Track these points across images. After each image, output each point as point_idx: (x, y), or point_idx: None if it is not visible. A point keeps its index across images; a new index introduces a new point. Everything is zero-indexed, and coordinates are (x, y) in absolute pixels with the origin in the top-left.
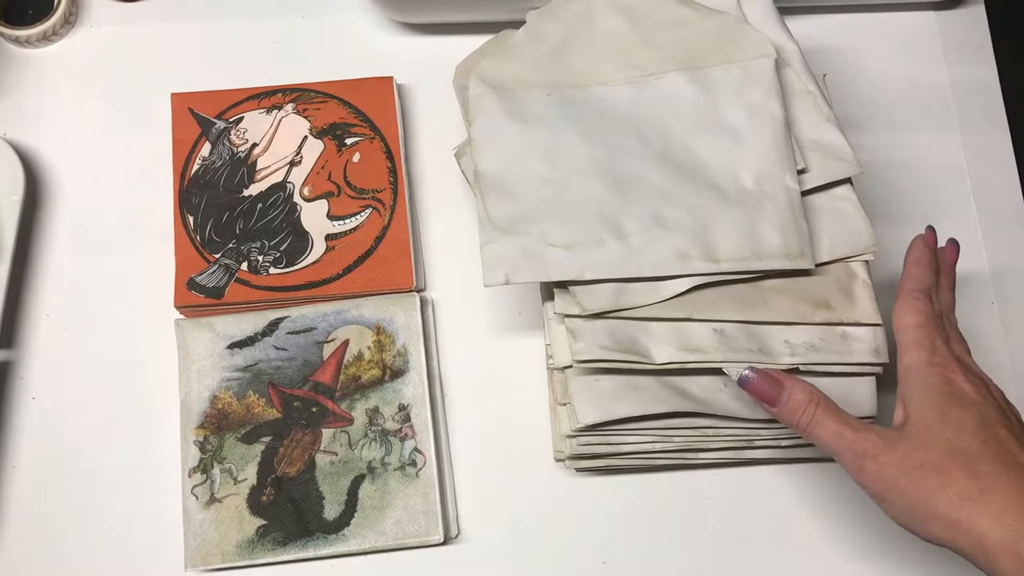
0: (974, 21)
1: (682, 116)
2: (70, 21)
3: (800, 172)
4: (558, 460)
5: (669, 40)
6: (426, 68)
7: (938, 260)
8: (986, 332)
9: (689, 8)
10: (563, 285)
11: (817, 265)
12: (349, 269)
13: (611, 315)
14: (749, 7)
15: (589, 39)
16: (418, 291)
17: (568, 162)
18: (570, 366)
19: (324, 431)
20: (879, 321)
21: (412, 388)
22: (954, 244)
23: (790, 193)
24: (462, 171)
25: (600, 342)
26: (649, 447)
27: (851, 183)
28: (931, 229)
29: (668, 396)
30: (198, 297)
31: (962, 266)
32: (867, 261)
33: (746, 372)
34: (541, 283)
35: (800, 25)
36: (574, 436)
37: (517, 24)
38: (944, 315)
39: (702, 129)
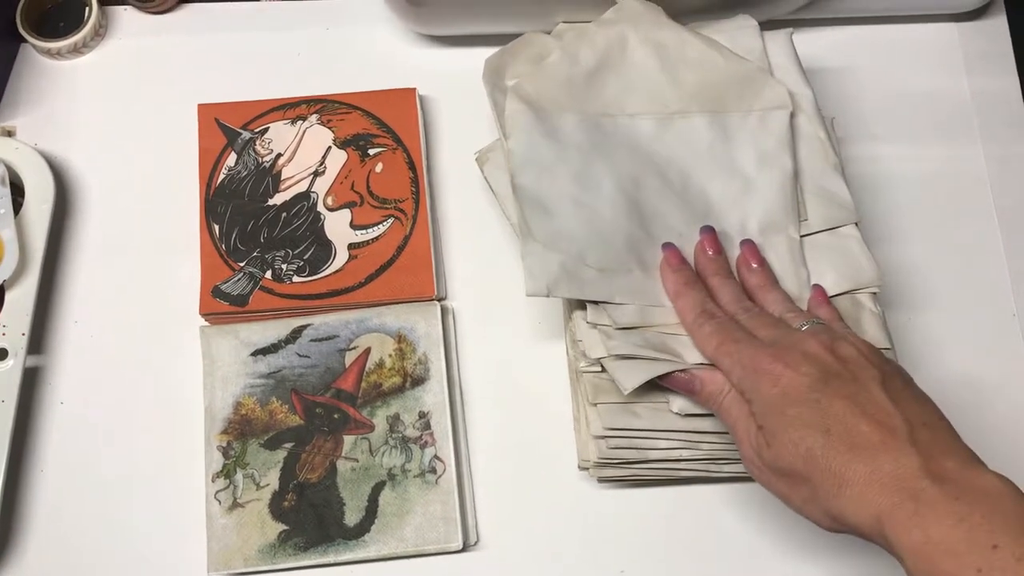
0: (996, 31)
1: (700, 157)
2: (100, 33)
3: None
4: (582, 468)
5: (695, 81)
6: (448, 80)
7: (695, 267)
8: (1007, 343)
9: (716, 52)
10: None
11: None
12: (371, 278)
13: (640, 328)
14: (772, 50)
15: (621, 70)
16: (439, 300)
17: (597, 188)
18: (605, 357)
19: (345, 438)
20: (888, 346)
21: (432, 396)
22: (702, 230)
23: (791, 243)
24: (484, 176)
25: (634, 342)
26: (676, 454)
27: (855, 223)
28: (670, 247)
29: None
30: (223, 305)
31: (983, 277)
32: (874, 292)
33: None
34: (566, 298)
35: (822, 36)
36: (604, 437)
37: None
38: (735, 311)
39: (717, 172)
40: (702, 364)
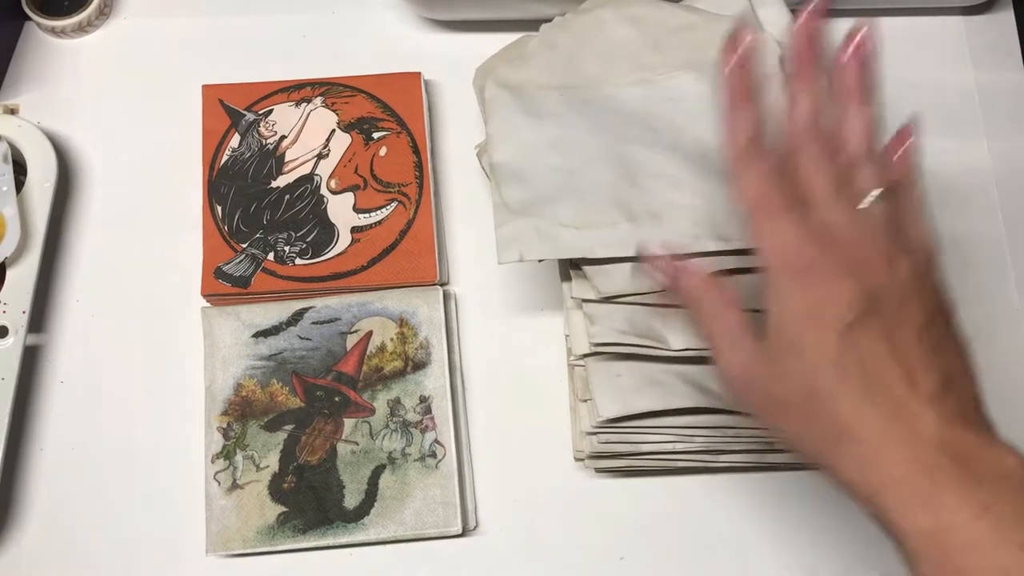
0: (1002, 26)
1: (690, 111)
2: (105, 12)
3: None
4: (578, 460)
5: (677, 44)
6: (453, 65)
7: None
8: (1011, 338)
9: (696, 15)
10: (579, 268)
11: None
12: (374, 261)
13: (627, 300)
14: (762, 7)
15: (600, 46)
16: (441, 285)
17: (579, 152)
18: (589, 354)
19: (346, 421)
20: None
21: (433, 380)
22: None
23: None
24: (483, 168)
25: (617, 326)
26: (670, 447)
27: None
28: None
29: (689, 392)
30: (225, 286)
31: (987, 272)
32: None
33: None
34: (560, 268)
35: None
36: (594, 433)
37: (545, 21)
38: (802, 131)
39: (710, 120)
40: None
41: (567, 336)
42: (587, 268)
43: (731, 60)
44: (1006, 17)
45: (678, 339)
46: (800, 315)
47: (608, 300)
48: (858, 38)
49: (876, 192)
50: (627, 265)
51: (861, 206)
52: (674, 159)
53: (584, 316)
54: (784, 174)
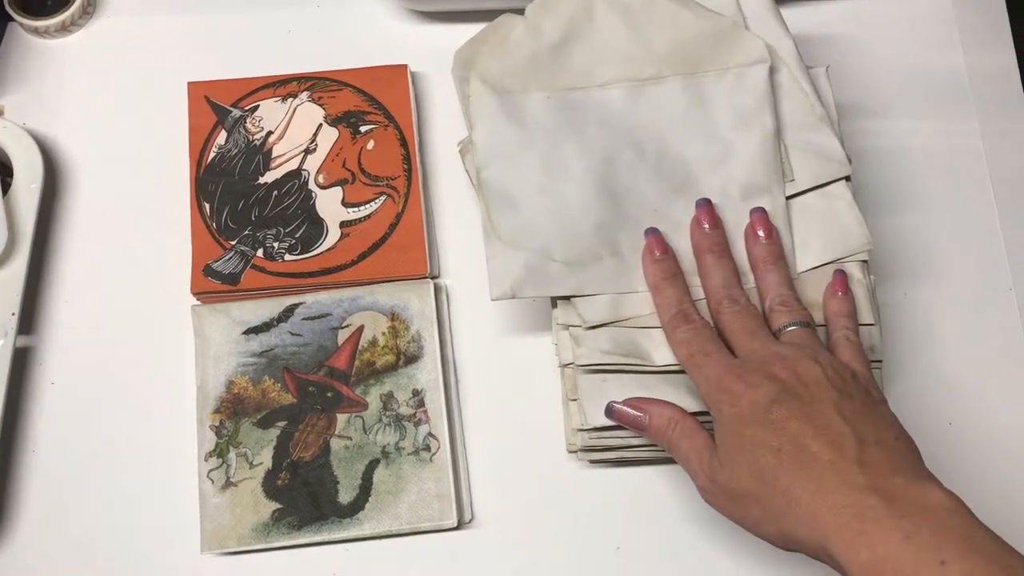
0: (991, 5)
1: (676, 123)
2: (88, 11)
3: (789, 182)
4: (571, 452)
5: (666, 42)
6: (440, 56)
7: (691, 240)
8: (1005, 320)
9: (687, 9)
10: (566, 297)
11: (807, 270)
12: (364, 256)
13: (611, 324)
14: (746, 1)
15: (587, 38)
16: (432, 278)
17: (566, 172)
18: (571, 365)
19: (339, 416)
20: (872, 321)
21: (426, 374)
22: (699, 203)
23: (775, 206)
24: (466, 169)
25: (601, 347)
26: None
27: (847, 179)
28: (653, 233)
29: (677, 395)
30: (214, 283)
31: (979, 252)
32: (864, 261)
33: (610, 404)
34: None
35: (815, 10)
36: (584, 430)
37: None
38: (720, 299)
39: (694, 138)
40: (654, 398)
41: (555, 344)
42: (573, 299)
43: (655, 255)
44: None
45: (661, 355)
46: (734, 417)
47: (593, 327)
48: (756, 222)
49: (793, 323)
50: (610, 296)
51: (785, 327)
52: (656, 184)
53: (570, 336)
54: (708, 328)
